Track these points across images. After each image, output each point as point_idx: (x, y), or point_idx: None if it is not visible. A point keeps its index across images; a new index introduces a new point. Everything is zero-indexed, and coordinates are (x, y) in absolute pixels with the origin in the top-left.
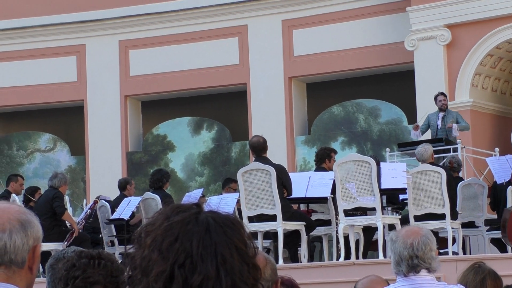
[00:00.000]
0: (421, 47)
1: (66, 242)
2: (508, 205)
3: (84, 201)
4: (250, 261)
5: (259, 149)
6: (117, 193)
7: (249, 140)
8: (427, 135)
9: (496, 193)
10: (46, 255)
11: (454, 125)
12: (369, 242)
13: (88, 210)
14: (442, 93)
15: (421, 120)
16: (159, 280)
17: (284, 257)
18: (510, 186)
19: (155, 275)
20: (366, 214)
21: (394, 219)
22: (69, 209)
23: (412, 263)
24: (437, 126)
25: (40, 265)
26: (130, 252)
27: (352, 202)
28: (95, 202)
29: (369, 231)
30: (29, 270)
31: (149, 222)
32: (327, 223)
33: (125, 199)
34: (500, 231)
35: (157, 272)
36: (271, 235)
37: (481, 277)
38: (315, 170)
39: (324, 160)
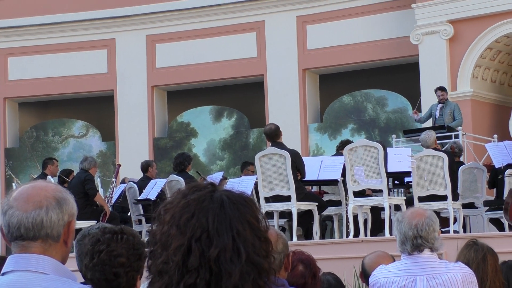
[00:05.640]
0: (426, 41)
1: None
2: (506, 187)
3: (114, 180)
4: (262, 235)
5: (273, 135)
6: None
7: (263, 128)
8: (429, 123)
9: (496, 174)
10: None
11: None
12: (377, 221)
13: (114, 180)
14: (440, 88)
15: (426, 110)
16: (178, 253)
17: (298, 234)
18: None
19: (174, 248)
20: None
21: (400, 200)
22: (100, 190)
23: (416, 243)
24: (435, 116)
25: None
26: (152, 229)
27: (360, 184)
28: (119, 166)
29: (375, 211)
30: (64, 244)
31: (168, 201)
32: (338, 203)
33: (152, 181)
34: (498, 211)
35: (176, 246)
36: (286, 215)
37: (482, 255)
38: (334, 154)
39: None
